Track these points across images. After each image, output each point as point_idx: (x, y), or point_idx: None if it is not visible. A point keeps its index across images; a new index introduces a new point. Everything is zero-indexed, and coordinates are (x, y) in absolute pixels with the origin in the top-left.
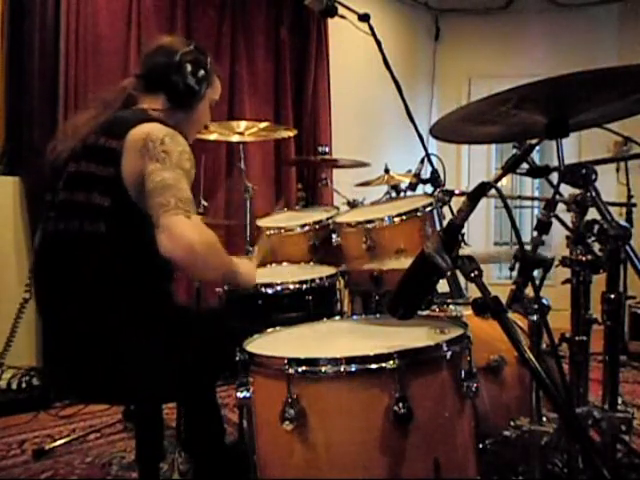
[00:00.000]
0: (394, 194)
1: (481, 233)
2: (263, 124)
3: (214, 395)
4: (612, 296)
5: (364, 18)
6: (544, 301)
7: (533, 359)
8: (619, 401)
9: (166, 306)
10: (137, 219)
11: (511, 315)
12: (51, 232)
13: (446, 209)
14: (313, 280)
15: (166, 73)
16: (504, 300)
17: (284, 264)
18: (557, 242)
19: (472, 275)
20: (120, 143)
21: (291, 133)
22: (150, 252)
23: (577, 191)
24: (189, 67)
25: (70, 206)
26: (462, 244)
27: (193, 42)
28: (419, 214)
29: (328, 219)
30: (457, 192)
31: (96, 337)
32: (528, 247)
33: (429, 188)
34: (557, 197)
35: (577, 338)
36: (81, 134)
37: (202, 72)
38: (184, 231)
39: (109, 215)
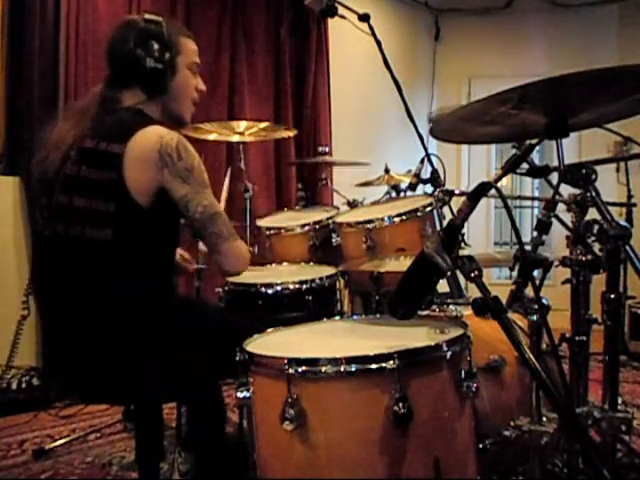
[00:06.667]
0: (394, 194)
1: (481, 233)
2: (263, 124)
3: (219, 394)
4: (612, 296)
5: (364, 18)
6: (544, 301)
7: (533, 359)
8: (619, 401)
9: (167, 306)
10: (144, 223)
11: (511, 315)
12: (49, 235)
13: (446, 209)
14: (313, 280)
15: (127, 65)
16: (504, 300)
17: (284, 264)
18: (557, 242)
19: (472, 275)
20: (122, 148)
21: (291, 133)
22: (155, 256)
23: (577, 191)
24: (144, 49)
25: (69, 210)
26: (462, 244)
27: (142, 15)
28: (419, 214)
29: (328, 219)
30: (457, 192)
31: (96, 337)
32: (528, 247)
33: (429, 188)
34: (557, 197)
35: (577, 338)
36: (67, 142)
37: (159, 47)
38: (244, 253)
39: (115, 220)
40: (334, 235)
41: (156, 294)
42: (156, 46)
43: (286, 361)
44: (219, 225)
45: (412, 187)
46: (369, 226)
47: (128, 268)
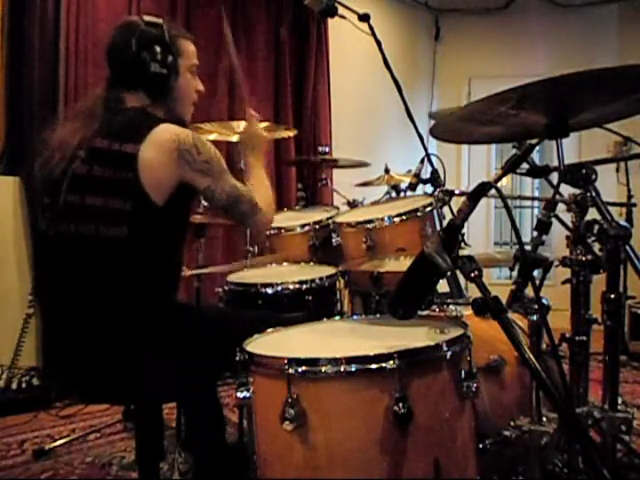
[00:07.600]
0: (394, 194)
1: (481, 233)
2: (263, 124)
3: (215, 394)
4: (612, 296)
5: (364, 18)
6: (544, 301)
7: (533, 359)
8: (619, 401)
9: (167, 306)
10: (158, 220)
11: (511, 315)
12: (54, 235)
13: (446, 209)
14: (313, 280)
15: (131, 69)
16: (504, 300)
17: (284, 264)
18: (557, 242)
19: (472, 275)
20: (137, 147)
21: (291, 133)
22: (166, 254)
23: (577, 191)
24: (148, 53)
25: (81, 209)
26: (462, 244)
27: (142, 17)
28: (419, 214)
29: (328, 219)
30: (457, 192)
31: (98, 337)
32: (528, 247)
33: (429, 188)
34: (557, 197)
35: (577, 338)
36: (73, 143)
37: (162, 51)
38: (268, 218)
39: (131, 219)
40: (334, 235)
41: (163, 292)
42: (159, 50)
43: (286, 361)
44: (243, 205)
45: (412, 187)
46: (369, 226)
47: (140, 266)
